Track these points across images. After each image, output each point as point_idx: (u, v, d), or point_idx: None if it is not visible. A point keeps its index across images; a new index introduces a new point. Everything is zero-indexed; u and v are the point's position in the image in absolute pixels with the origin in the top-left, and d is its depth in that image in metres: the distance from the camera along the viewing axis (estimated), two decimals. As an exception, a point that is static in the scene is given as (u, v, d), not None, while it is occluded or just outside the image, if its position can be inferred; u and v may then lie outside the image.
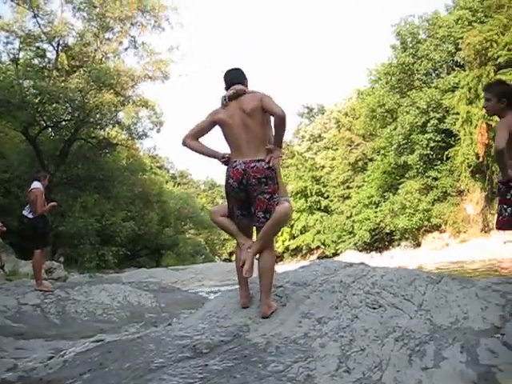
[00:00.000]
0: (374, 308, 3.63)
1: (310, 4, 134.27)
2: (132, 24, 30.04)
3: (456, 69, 32.08)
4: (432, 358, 3.01)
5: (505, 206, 3.54)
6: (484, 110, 17.80)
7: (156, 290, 9.25)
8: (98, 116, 26.72)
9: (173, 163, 69.97)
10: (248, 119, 3.73)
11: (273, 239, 3.91)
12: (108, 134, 30.72)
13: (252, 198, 3.72)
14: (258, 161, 3.70)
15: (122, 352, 3.53)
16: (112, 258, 27.84)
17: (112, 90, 26.21)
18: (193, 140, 3.91)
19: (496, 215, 3.73)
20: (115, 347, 3.70)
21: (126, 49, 31.35)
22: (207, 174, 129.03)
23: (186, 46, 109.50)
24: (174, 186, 59.53)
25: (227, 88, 3.91)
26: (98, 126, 28.51)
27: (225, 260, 56.69)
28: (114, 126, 29.95)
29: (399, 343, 3.18)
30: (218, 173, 70.01)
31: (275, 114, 3.65)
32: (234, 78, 3.95)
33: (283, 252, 55.76)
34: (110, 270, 26.52)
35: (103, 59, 30.49)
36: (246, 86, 3.95)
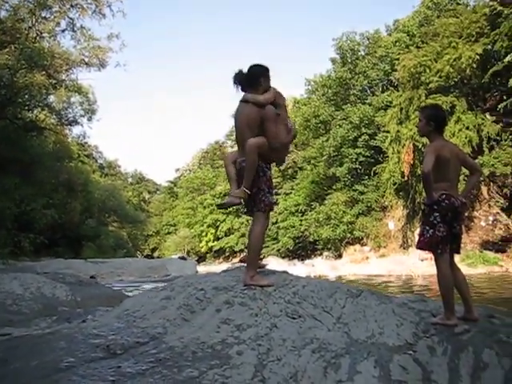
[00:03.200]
0: (294, 318, 3.62)
1: (251, 6, 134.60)
2: (72, 6, 28.76)
3: (390, 88, 33.07)
4: (346, 372, 3.04)
5: (427, 228, 3.64)
6: (416, 130, 18.37)
7: (72, 283, 8.90)
8: (26, 97, 25.61)
9: (102, 153, 68.22)
10: (242, 125, 4.17)
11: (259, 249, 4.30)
12: (36, 116, 29.46)
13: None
14: (244, 160, 4.07)
15: (30, 348, 3.35)
16: (29, 245, 26.72)
17: (44, 72, 25.19)
18: None
19: (418, 235, 3.83)
20: (23, 342, 3.52)
21: (63, 30, 29.87)
22: (136, 166, 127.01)
23: (127, 36, 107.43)
24: (101, 176, 58.07)
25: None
26: (26, 108, 27.34)
27: (146, 256, 55.86)
28: (43, 109, 28.79)
29: (316, 355, 3.19)
30: (147, 166, 69.02)
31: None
32: (243, 83, 4.28)
33: (206, 252, 55.58)
34: (25, 258, 25.43)
35: (37, 38, 29.03)
36: (261, 84, 4.20)
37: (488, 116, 23.42)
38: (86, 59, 29.22)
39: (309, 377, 2.99)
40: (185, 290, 4.11)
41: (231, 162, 4.36)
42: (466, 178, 4.31)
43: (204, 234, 53.87)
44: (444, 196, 3.60)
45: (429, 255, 21.65)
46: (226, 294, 3.94)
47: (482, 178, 20.25)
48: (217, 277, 4.44)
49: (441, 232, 3.57)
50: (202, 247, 54.96)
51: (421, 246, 3.74)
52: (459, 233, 3.72)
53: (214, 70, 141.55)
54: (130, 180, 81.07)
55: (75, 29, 29.24)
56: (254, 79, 4.21)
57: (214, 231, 52.78)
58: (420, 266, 21.15)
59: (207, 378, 2.91)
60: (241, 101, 4.24)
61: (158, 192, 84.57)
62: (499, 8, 21.70)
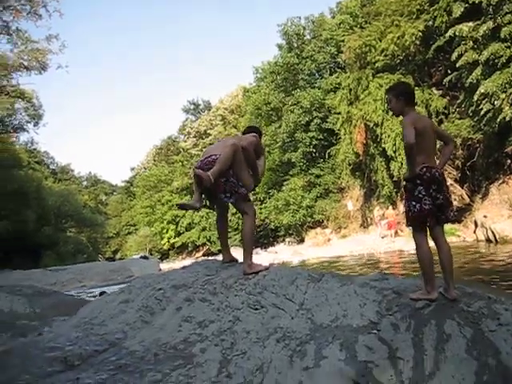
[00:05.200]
0: (256, 309, 3.57)
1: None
2: (4, 8, 27.74)
3: (338, 70, 33.33)
4: (312, 358, 3.00)
5: (413, 203, 3.56)
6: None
7: (30, 294, 8.57)
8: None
9: (53, 158, 66.89)
10: (222, 145, 4.52)
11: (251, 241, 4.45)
12: (-23, 126, 28.59)
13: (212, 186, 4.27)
14: (210, 156, 4.36)
15: (-20, 370, 3.18)
16: (-17, 259, 25.90)
17: (-20, 78, 24.34)
18: None
19: (405, 212, 3.76)
20: (-27, 364, 3.34)
21: (-3, 34, 28.94)
22: (90, 169, 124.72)
23: (68, 36, 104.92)
24: (54, 182, 56.77)
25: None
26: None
27: (108, 258, 55.03)
28: (-17, 118, 27.91)
29: (280, 344, 3.15)
30: (101, 168, 67.95)
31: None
32: (248, 131, 5.20)
33: (169, 249, 55.13)
34: (-19, 273, 24.58)
35: (-32, 43, 28.10)
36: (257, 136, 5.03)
37: (435, 90, 23.83)
38: (26, 63, 28.23)
39: (275, 367, 2.95)
40: (143, 292, 4.01)
41: None
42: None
43: (165, 230, 53.38)
44: (425, 169, 3.55)
45: (388, 232, 21.95)
46: (185, 292, 3.86)
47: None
48: (175, 274, 4.35)
49: (427, 205, 3.52)
50: (163, 244, 54.48)
51: (411, 222, 3.67)
52: (444, 203, 3.63)
53: (165, 64, 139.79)
54: (84, 183, 79.68)
55: (10, 32, 28.12)
56: (252, 131, 5.12)
57: (174, 227, 52.36)
58: (381, 244, 21.49)
59: (171, 380, 2.83)
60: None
61: (114, 193, 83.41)
62: (436, -16, 22.07)
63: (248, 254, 4.28)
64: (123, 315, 3.71)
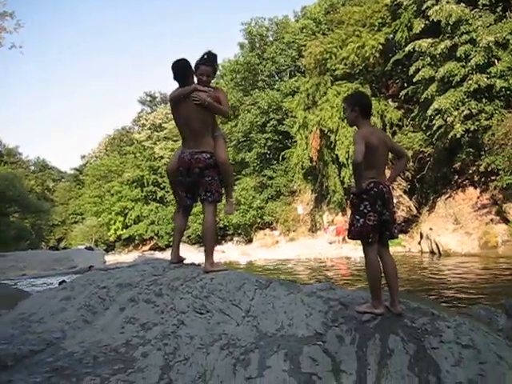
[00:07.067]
0: (202, 313, 3.49)
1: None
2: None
3: (297, 74, 33.57)
4: (256, 367, 2.95)
5: (357, 217, 3.57)
6: (320, 118, 18.57)
7: (-36, 281, 8.19)
8: None
9: (0, 140, 64.65)
10: (193, 115, 4.29)
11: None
12: None
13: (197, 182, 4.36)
14: (201, 152, 4.32)
15: None
16: None
17: None
18: None
19: (348, 224, 3.76)
20: None
21: None
22: (39, 154, 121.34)
23: (24, 16, 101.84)
24: (-1, 164, 54.98)
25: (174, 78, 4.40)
26: None
27: (52, 247, 53.66)
28: None
29: (224, 351, 3.09)
30: (50, 154, 65.94)
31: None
32: (177, 73, 4.36)
33: (115, 241, 54.23)
34: None
35: None
36: (192, 77, 4.41)
37: (391, 102, 24.30)
38: (-25, 37, 27.17)
39: (217, 375, 2.89)
40: (86, 289, 3.87)
41: (172, 172, 4.63)
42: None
43: (112, 222, 52.41)
44: (372, 184, 3.55)
45: (336, 238, 22.21)
46: (130, 291, 3.75)
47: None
48: (121, 272, 4.23)
49: (371, 221, 3.51)
50: (110, 236, 53.49)
51: (352, 235, 3.65)
52: (389, 219, 3.66)
53: (122, 54, 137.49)
54: (32, 168, 77.37)
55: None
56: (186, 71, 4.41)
57: (122, 219, 51.51)
58: (328, 250, 21.73)
59: (109, 384, 2.73)
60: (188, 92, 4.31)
61: (63, 180, 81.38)
62: (399, -1, 22.50)
63: (210, 253, 4.32)
64: (64, 313, 3.57)
